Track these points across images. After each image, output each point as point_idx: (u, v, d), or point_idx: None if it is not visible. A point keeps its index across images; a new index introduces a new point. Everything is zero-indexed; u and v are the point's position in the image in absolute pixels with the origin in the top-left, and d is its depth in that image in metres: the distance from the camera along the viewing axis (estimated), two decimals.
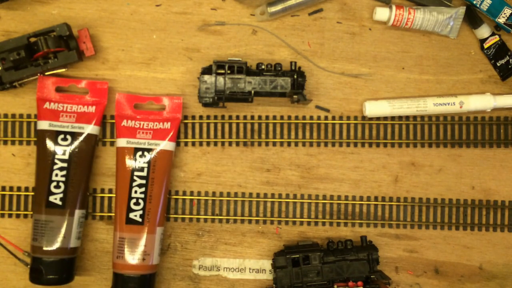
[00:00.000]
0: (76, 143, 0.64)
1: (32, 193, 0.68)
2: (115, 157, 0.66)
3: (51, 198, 0.63)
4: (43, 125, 0.65)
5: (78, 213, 0.64)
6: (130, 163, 0.64)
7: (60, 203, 0.63)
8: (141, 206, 0.64)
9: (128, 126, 0.65)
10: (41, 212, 0.63)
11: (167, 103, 0.67)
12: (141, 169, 0.64)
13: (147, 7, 0.69)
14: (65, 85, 0.67)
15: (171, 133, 0.66)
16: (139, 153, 0.65)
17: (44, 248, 0.63)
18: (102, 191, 0.68)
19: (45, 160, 0.64)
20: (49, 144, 0.64)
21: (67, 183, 0.63)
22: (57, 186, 0.63)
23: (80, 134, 0.65)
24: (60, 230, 0.62)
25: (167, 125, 0.66)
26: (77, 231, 0.64)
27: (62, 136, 0.64)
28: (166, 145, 0.65)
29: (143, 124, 0.66)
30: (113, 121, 0.68)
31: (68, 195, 0.63)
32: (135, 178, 0.64)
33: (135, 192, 0.64)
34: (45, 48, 0.64)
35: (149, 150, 0.65)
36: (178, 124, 0.66)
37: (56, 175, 0.63)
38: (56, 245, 0.63)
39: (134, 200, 0.64)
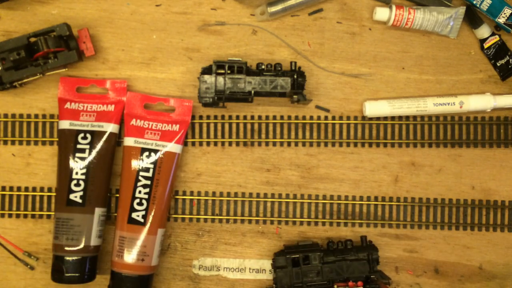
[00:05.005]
0: (96, 141, 0.64)
1: (32, 193, 0.68)
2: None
3: (71, 196, 0.63)
4: (64, 124, 0.65)
5: (98, 211, 0.64)
6: (136, 163, 0.64)
7: (80, 201, 0.63)
8: (144, 207, 0.64)
9: (137, 125, 0.65)
10: (62, 210, 0.63)
11: (177, 105, 0.67)
12: (147, 170, 0.64)
13: (147, 7, 0.69)
14: (86, 85, 0.67)
15: (179, 136, 0.66)
16: (146, 153, 0.64)
17: (65, 247, 0.63)
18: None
19: (65, 159, 0.64)
20: (69, 142, 0.64)
21: (87, 181, 0.63)
22: (77, 184, 0.63)
23: (100, 132, 0.65)
24: (80, 228, 0.62)
25: (176, 127, 0.66)
26: (97, 229, 0.64)
27: (82, 134, 0.64)
28: (173, 147, 0.65)
29: (152, 125, 0.66)
30: None
31: (88, 193, 0.63)
32: (140, 178, 0.64)
33: (139, 192, 0.64)
34: (45, 48, 0.64)
35: (156, 151, 0.65)
36: (187, 127, 0.66)
37: (77, 173, 0.63)
38: (77, 242, 0.63)
39: (137, 200, 0.64)
